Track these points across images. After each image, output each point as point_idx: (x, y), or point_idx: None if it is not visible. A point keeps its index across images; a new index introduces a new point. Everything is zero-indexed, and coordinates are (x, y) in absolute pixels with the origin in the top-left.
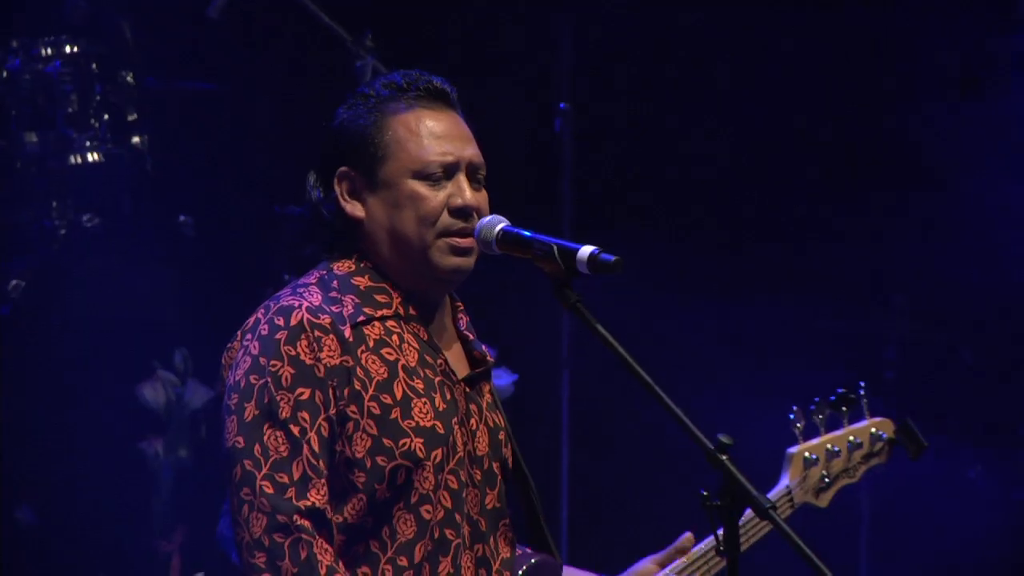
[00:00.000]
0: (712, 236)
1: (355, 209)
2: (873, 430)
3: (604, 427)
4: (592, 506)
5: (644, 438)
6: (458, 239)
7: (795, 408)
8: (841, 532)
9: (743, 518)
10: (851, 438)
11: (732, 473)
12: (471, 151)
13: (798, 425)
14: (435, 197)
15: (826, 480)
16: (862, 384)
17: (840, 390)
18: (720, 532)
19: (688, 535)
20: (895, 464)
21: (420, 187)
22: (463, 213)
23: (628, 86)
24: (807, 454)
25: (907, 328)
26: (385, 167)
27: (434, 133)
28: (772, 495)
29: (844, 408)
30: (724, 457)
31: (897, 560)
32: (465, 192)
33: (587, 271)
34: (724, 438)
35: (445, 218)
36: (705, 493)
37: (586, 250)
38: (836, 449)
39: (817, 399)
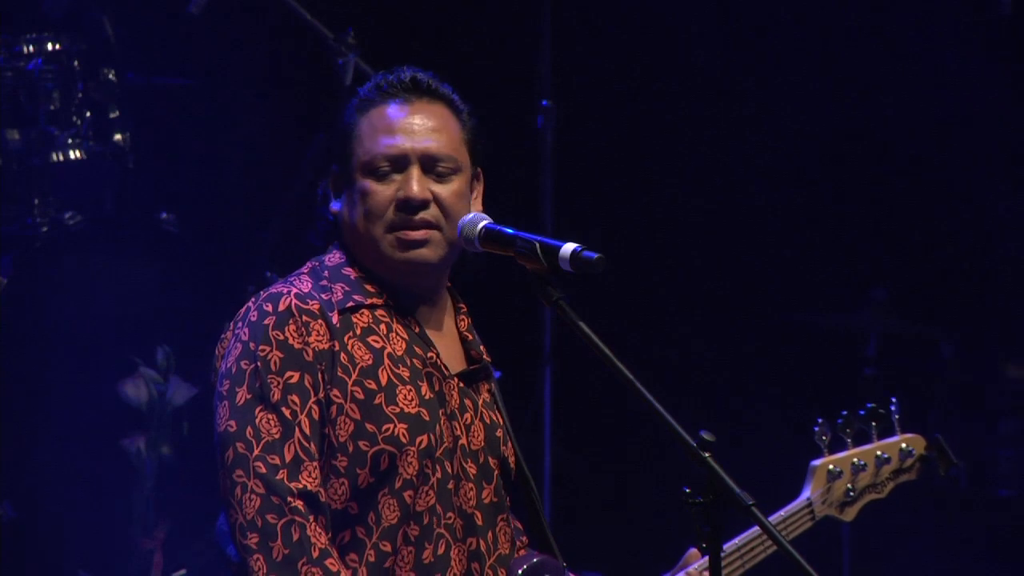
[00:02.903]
0: (696, 233)
1: (335, 205)
2: (903, 446)
3: (587, 424)
4: (574, 504)
5: (627, 435)
6: (407, 231)
7: (820, 420)
8: (824, 529)
9: (751, 533)
10: (879, 453)
11: (715, 470)
12: (427, 142)
13: (824, 437)
14: (382, 192)
15: (851, 494)
16: (894, 400)
17: (870, 404)
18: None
19: (692, 551)
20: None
21: (369, 182)
22: (408, 206)
23: (610, 83)
24: (831, 467)
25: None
26: (349, 164)
27: (389, 127)
28: (791, 507)
29: (874, 423)
30: (707, 454)
31: (880, 557)
32: (411, 185)
33: (570, 268)
34: (707, 435)
35: (390, 213)
36: (688, 491)
37: (568, 247)
38: (863, 463)
39: (845, 412)
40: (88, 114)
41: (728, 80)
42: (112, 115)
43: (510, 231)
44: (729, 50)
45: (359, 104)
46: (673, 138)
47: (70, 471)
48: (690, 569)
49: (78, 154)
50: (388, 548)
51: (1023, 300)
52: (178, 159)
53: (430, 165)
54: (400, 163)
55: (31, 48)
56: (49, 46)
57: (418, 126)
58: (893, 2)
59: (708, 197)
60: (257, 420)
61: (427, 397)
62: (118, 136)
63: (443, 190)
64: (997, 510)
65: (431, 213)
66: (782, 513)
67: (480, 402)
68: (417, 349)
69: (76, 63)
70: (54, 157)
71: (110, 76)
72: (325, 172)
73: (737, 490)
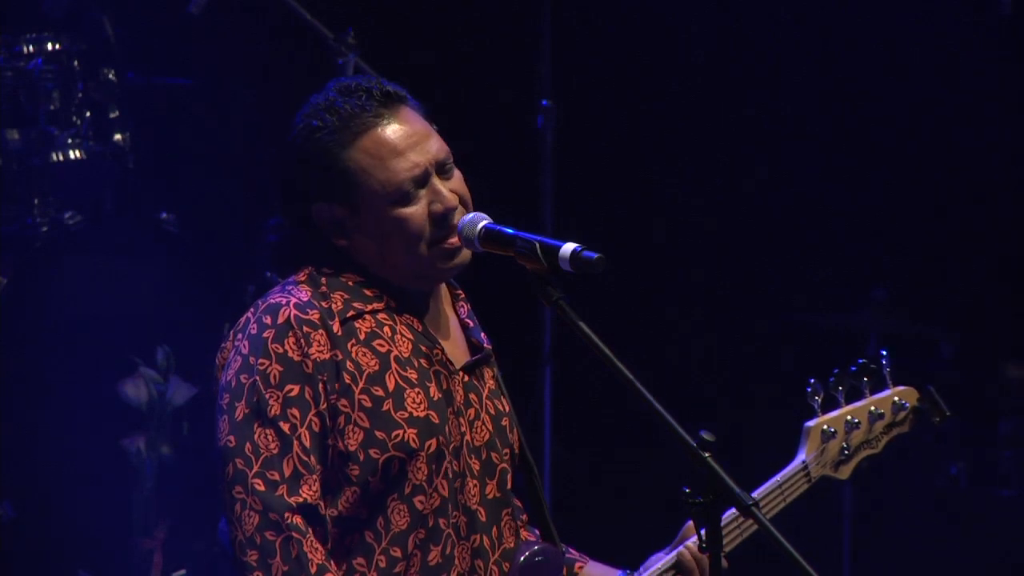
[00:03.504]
0: (696, 233)
1: (339, 239)
2: (896, 399)
3: (587, 424)
4: (574, 503)
5: (627, 435)
6: (449, 239)
7: (812, 380)
8: (824, 529)
9: (728, 516)
10: (872, 408)
11: (715, 470)
12: (433, 148)
13: (817, 397)
14: (416, 213)
15: (846, 452)
16: (884, 353)
17: (861, 360)
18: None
19: (689, 524)
20: (877, 461)
21: (400, 211)
22: (445, 218)
23: (610, 83)
24: (825, 427)
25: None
26: (360, 199)
27: (395, 150)
28: (787, 471)
29: (865, 378)
30: (707, 454)
31: (880, 557)
32: (443, 195)
33: (569, 268)
34: (706, 435)
35: (431, 230)
36: (687, 490)
37: (568, 247)
38: (856, 420)
39: (837, 370)
40: (88, 114)
41: (728, 80)
42: (112, 115)
43: (510, 231)
44: (729, 50)
45: (331, 137)
46: (673, 138)
47: (70, 471)
48: (689, 543)
49: (78, 154)
50: (399, 553)
51: (1023, 300)
52: (178, 159)
53: (442, 168)
54: (422, 180)
55: (31, 48)
56: (49, 46)
57: (418, 136)
58: (893, 2)
59: (708, 197)
60: (255, 436)
61: (435, 398)
62: (118, 136)
63: (454, 184)
64: (997, 510)
65: (459, 214)
66: (778, 478)
67: (485, 393)
68: (422, 348)
69: (76, 63)
70: (54, 157)
71: (110, 76)
72: (297, 205)
73: (737, 490)
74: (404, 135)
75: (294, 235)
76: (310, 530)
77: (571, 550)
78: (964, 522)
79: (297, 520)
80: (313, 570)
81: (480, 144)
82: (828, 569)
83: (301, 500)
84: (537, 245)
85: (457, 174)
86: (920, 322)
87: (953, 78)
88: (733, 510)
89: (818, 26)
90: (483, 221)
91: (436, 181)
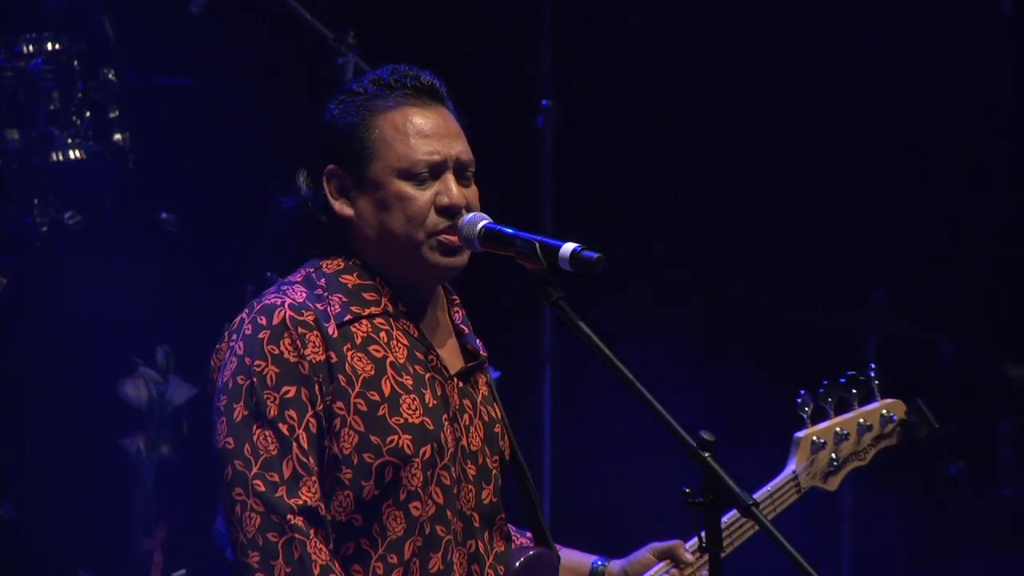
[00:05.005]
0: (696, 233)
1: (344, 208)
2: (884, 412)
3: (586, 424)
4: (573, 504)
5: (626, 435)
6: (448, 236)
7: (803, 392)
8: (824, 529)
9: (730, 517)
10: (861, 420)
11: (714, 470)
12: (458, 148)
13: (806, 409)
14: (422, 197)
15: (835, 464)
16: (872, 365)
17: (849, 372)
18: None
19: (647, 556)
20: (877, 461)
21: (407, 187)
22: (450, 212)
23: (610, 83)
24: (815, 438)
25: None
26: (372, 166)
27: (421, 132)
28: (777, 480)
29: (854, 390)
30: (706, 454)
31: (880, 557)
32: (452, 190)
33: (569, 268)
34: (706, 435)
35: (432, 217)
36: (687, 490)
37: (568, 247)
38: (845, 432)
39: (826, 382)
40: (88, 114)
41: (728, 80)
42: (112, 115)
43: (510, 231)
44: (729, 50)
45: (366, 103)
46: (673, 138)
47: (70, 471)
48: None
49: (78, 154)
50: (395, 560)
51: (1023, 300)
52: (178, 159)
53: (461, 171)
54: (438, 169)
55: (31, 48)
56: (49, 46)
57: (448, 132)
58: (893, 2)
59: (708, 197)
60: (254, 437)
61: (431, 404)
62: (118, 136)
63: (469, 194)
64: (997, 510)
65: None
66: (769, 488)
67: (479, 399)
68: (418, 354)
69: (76, 63)
70: (54, 157)
71: (110, 76)
72: (314, 169)
73: (737, 490)
74: (434, 125)
75: (301, 218)
76: (312, 531)
77: (564, 549)
78: (964, 522)
79: (299, 521)
80: (316, 571)
81: (480, 144)
82: (828, 569)
83: (301, 502)
84: (537, 245)
85: (475, 188)
86: (920, 322)
87: (953, 78)
88: (724, 518)
89: (817, 27)
90: (483, 221)
91: (450, 178)
